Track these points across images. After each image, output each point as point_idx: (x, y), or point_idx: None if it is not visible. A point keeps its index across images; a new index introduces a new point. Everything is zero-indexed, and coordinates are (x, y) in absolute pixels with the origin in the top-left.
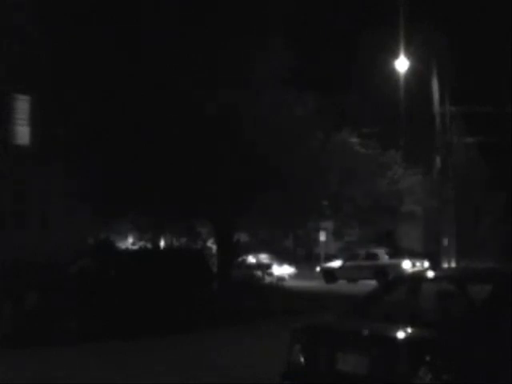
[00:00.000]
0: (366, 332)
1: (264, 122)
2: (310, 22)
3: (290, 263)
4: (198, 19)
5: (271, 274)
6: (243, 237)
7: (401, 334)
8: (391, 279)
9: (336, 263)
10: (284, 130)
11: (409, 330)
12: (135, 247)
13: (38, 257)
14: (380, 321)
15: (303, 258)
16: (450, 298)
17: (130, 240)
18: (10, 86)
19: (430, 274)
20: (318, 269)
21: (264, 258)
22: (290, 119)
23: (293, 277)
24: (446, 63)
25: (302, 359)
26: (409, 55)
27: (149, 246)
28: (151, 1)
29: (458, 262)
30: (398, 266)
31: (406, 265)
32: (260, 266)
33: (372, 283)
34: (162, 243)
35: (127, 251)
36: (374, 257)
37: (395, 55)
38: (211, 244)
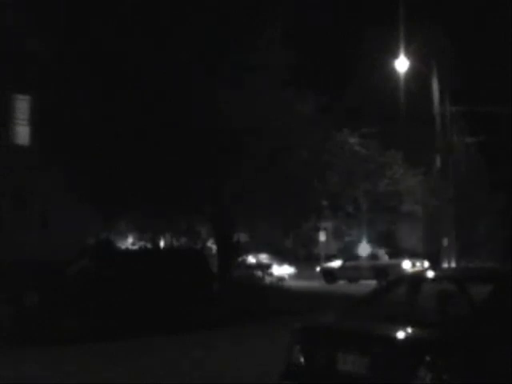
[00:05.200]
0: (365, 332)
1: (264, 122)
2: (310, 21)
3: (290, 263)
4: (198, 19)
5: (271, 274)
6: (243, 237)
7: (401, 334)
8: (391, 279)
9: (336, 263)
10: (284, 130)
11: (409, 330)
12: (135, 247)
13: (38, 257)
14: (380, 321)
15: (303, 257)
16: (450, 298)
17: (130, 240)
18: (10, 86)
19: (430, 274)
20: (318, 269)
21: (264, 258)
22: (290, 119)
23: (293, 277)
24: (446, 63)
25: (302, 359)
26: (409, 55)
27: (149, 246)
28: (151, 2)
29: (457, 262)
30: (398, 266)
31: (406, 265)
32: (260, 265)
33: (372, 283)
34: (162, 243)
35: (127, 251)
36: (374, 257)
37: (395, 55)
38: (211, 244)
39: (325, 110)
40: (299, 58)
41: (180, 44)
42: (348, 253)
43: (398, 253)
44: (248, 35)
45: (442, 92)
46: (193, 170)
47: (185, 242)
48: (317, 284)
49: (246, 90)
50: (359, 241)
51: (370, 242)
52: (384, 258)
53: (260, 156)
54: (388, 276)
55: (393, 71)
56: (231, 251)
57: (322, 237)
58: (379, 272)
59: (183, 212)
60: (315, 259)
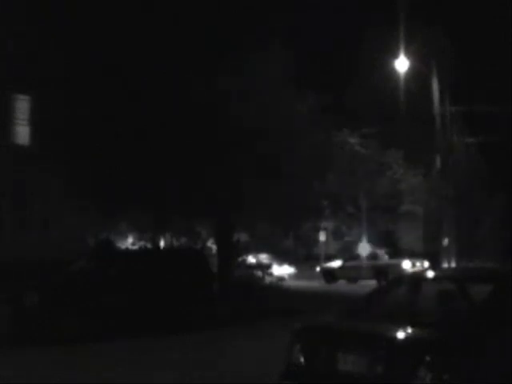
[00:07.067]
0: (365, 332)
1: (265, 121)
2: (310, 21)
3: (290, 263)
4: (198, 19)
5: (271, 274)
6: (243, 237)
7: (401, 334)
8: (391, 279)
9: (336, 263)
10: (284, 130)
11: (409, 330)
12: (135, 247)
13: (38, 257)
14: (380, 321)
15: (303, 258)
16: (450, 298)
17: (130, 240)
18: (10, 86)
19: (430, 274)
20: (318, 269)
21: (264, 257)
22: (290, 118)
23: (293, 277)
24: (446, 63)
25: (302, 359)
26: (409, 55)
27: (149, 245)
28: (151, 2)
29: (458, 262)
30: (398, 266)
31: (406, 265)
32: (260, 265)
33: (372, 283)
34: (162, 243)
35: (127, 251)
36: (374, 257)
37: (395, 55)
38: (211, 244)
39: (325, 110)
40: (299, 58)
41: (180, 44)
42: (348, 253)
43: (397, 253)
44: (248, 35)
45: (441, 92)
46: (193, 170)
47: (185, 242)
48: (317, 284)
49: (246, 90)
50: (359, 241)
51: (369, 241)
52: (384, 258)
53: (260, 156)
54: (388, 276)
55: (393, 71)
56: (231, 251)
57: (322, 237)
58: (379, 272)
59: (183, 212)
60: (315, 259)
